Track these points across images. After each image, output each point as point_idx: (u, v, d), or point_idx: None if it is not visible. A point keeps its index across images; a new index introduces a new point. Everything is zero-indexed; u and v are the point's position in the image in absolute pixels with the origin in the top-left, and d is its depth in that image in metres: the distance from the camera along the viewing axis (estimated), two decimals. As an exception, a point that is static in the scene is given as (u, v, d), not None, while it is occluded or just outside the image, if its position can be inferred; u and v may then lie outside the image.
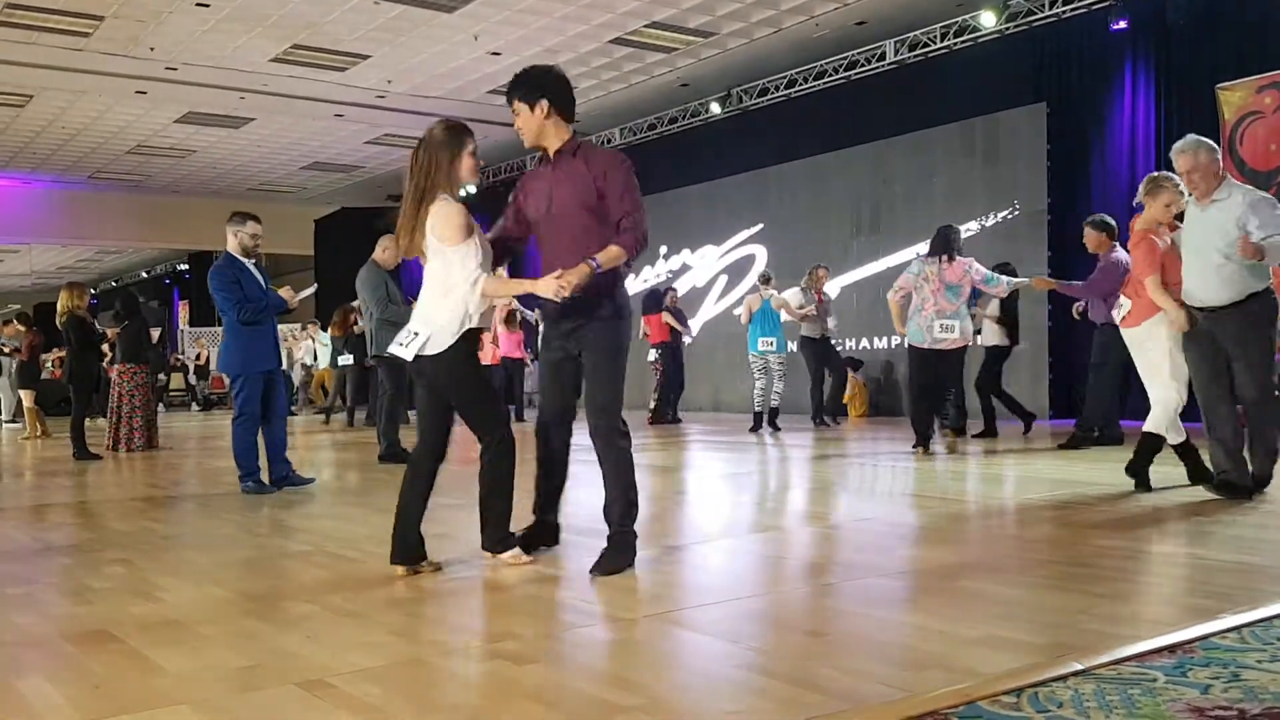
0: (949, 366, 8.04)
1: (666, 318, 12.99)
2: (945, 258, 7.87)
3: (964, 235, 12.31)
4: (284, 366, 14.70)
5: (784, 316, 11.08)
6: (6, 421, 16.63)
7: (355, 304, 10.44)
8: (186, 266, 29.01)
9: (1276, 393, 5.13)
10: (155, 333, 13.65)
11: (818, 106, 14.40)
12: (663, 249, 16.71)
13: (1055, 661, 2.43)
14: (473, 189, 4.03)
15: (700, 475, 7.24)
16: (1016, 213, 12.05)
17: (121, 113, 16.58)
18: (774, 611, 3.22)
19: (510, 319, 14.24)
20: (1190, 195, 5.19)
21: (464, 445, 10.65)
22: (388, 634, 2.91)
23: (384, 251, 8.25)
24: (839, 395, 12.88)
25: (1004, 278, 8.19)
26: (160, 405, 18.88)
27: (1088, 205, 11.30)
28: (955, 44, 12.70)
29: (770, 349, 10.92)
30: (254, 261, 6.49)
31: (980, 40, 12.46)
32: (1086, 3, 11.43)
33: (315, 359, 18.76)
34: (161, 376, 20.09)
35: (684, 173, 16.23)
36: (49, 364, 13.94)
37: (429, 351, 3.82)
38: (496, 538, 3.84)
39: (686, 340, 13.30)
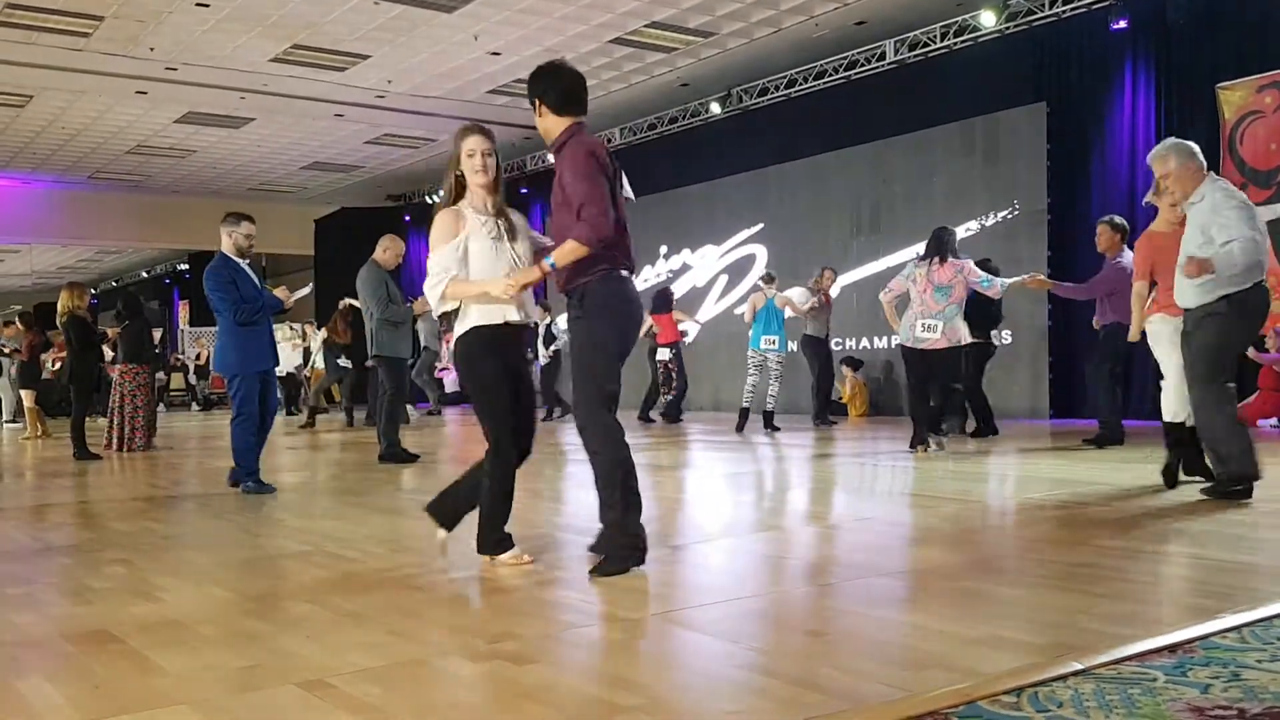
0: (941, 368, 8.02)
1: (679, 316, 13.02)
2: (937, 259, 7.93)
3: (964, 235, 12.39)
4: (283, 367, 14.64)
5: (788, 314, 11.09)
6: (7, 421, 16.64)
7: (343, 306, 10.43)
8: (186, 266, 29.01)
9: (1215, 392, 5.03)
10: (156, 334, 13.67)
11: (818, 106, 14.39)
12: (663, 249, 16.71)
13: (1055, 661, 2.43)
14: (478, 184, 3.94)
15: (700, 475, 7.24)
16: (1016, 212, 12.04)
17: (121, 113, 16.58)
18: (774, 611, 3.23)
19: None
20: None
21: (464, 445, 10.64)
22: (388, 634, 2.91)
23: (384, 251, 8.26)
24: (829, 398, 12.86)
25: (999, 279, 8.19)
26: (160, 405, 18.91)
27: (1088, 205, 11.30)
28: (955, 44, 12.70)
29: (772, 348, 10.94)
30: (248, 262, 6.50)
31: (980, 40, 12.45)
32: (1086, 2, 11.42)
33: (306, 362, 18.72)
34: (161, 376, 20.12)
35: (684, 172, 16.22)
36: (48, 364, 13.93)
37: None
38: (491, 541, 3.82)
39: (693, 330, 13.34)
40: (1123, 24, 11.00)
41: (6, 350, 15.31)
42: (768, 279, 11.22)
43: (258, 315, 6.32)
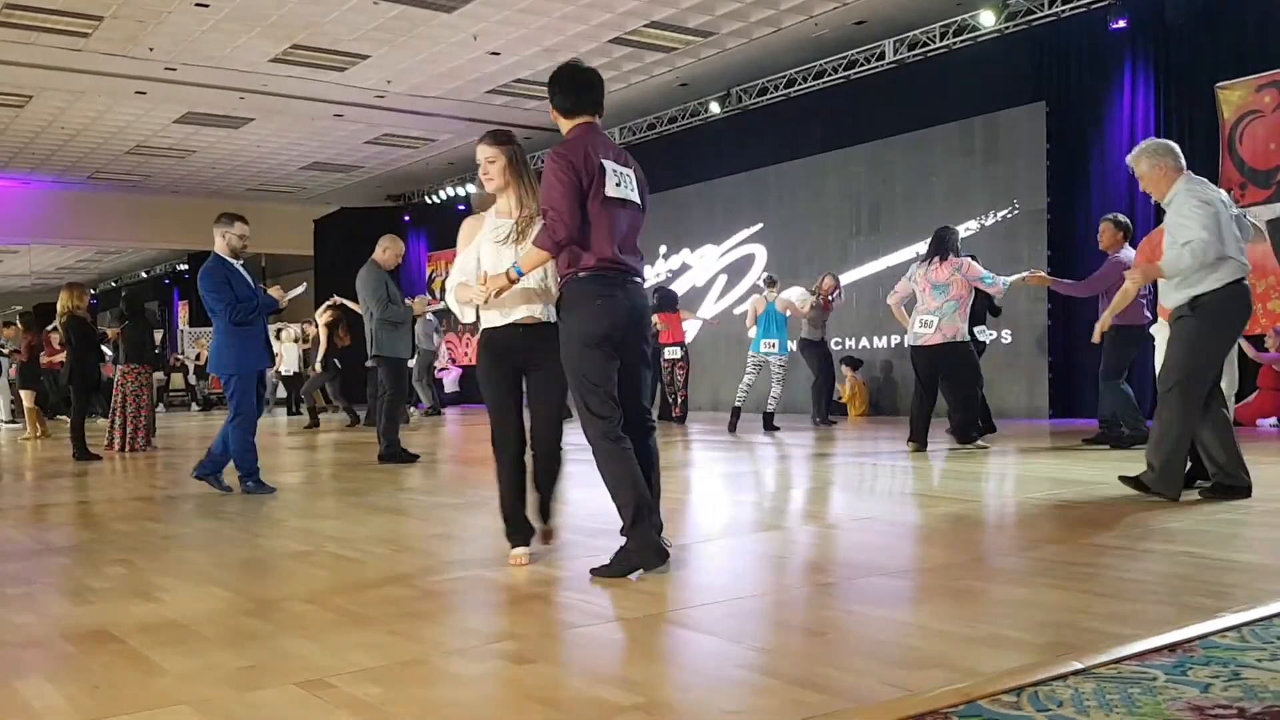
0: (944, 364, 8.05)
1: (686, 316, 13.03)
2: (937, 258, 8.04)
3: (964, 235, 12.38)
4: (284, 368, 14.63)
5: (788, 316, 11.12)
6: (6, 422, 16.63)
7: (331, 306, 10.38)
8: (186, 266, 29.02)
9: (1178, 396, 4.99)
10: (157, 335, 13.71)
11: (817, 106, 14.40)
12: (662, 249, 16.71)
13: (1055, 660, 2.43)
14: (489, 190, 4.01)
15: (701, 474, 7.24)
16: (1016, 212, 12.05)
17: (121, 113, 16.58)
18: (774, 611, 3.23)
19: None
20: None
21: (465, 445, 10.65)
22: (388, 634, 2.91)
23: (384, 252, 8.26)
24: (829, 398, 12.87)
25: (1001, 277, 8.20)
26: (160, 405, 18.92)
27: (1087, 204, 11.31)
28: (954, 43, 12.70)
29: (772, 351, 10.96)
30: (242, 262, 6.50)
31: (979, 39, 12.46)
32: (1085, 2, 11.43)
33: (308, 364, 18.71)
34: (160, 376, 20.12)
35: (683, 172, 16.23)
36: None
37: None
38: (506, 530, 3.93)
39: (693, 328, 13.38)
40: (1122, 23, 11.01)
41: (6, 350, 15.31)
42: (769, 282, 11.24)
43: (252, 315, 6.33)
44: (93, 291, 30.26)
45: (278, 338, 18.13)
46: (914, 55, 13.15)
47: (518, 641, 2.82)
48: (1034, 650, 2.56)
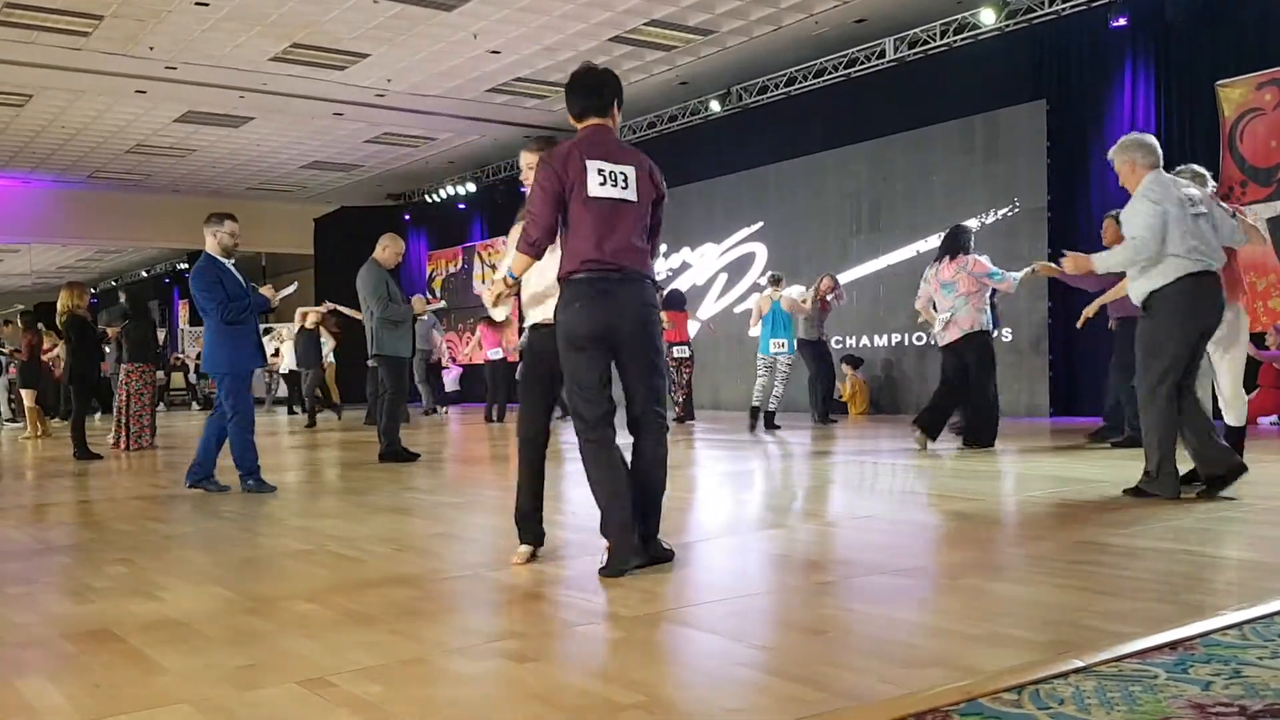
0: (969, 356, 8.11)
1: (692, 317, 13.05)
2: (947, 258, 8.16)
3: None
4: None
5: (794, 313, 11.15)
6: (6, 420, 16.64)
7: (315, 309, 10.39)
8: (186, 265, 29.00)
9: (1146, 394, 5.06)
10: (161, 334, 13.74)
11: (817, 104, 14.39)
12: (663, 247, 16.70)
13: (1056, 659, 2.43)
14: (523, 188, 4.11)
15: (701, 473, 7.24)
16: (1017, 210, 12.05)
17: (121, 112, 16.58)
18: (775, 609, 3.23)
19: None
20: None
21: (463, 445, 10.66)
22: (388, 633, 2.91)
23: (384, 250, 8.25)
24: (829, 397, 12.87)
25: (1011, 274, 8.17)
26: (160, 404, 18.93)
27: (1087, 202, 11.30)
28: (955, 41, 12.70)
29: (781, 350, 10.98)
30: (233, 261, 6.50)
31: (980, 37, 12.45)
32: (1086, 0, 11.42)
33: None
34: (160, 376, 20.14)
35: (683, 171, 16.20)
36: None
37: None
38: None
39: (694, 327, 13.42)
40: (1122, 21, 11.00)
41: (6, 350, 15.31)
42: (774, 281, 11.24)
43: (244, 315, 6.33)
44: (93, 291, 30.27)
45: (268, 335, 18.19)
46: (914, 53, 13.14)
47: (518, 640, 2.82)
48: (1035, 648, 2.56)
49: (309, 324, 14.86)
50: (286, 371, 16.63)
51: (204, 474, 6.40)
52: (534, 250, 3.72)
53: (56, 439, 12.25)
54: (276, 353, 18.63)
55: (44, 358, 13.08)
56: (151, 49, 13.48)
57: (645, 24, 12.89)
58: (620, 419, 3.68)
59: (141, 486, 7.18)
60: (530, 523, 3.93)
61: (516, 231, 3.98)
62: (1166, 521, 4.49)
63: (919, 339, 12.84)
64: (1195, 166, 5.67)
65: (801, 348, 11.84)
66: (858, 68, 13.78)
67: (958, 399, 8.33)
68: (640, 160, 3.81)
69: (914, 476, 6.65)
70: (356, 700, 2.31)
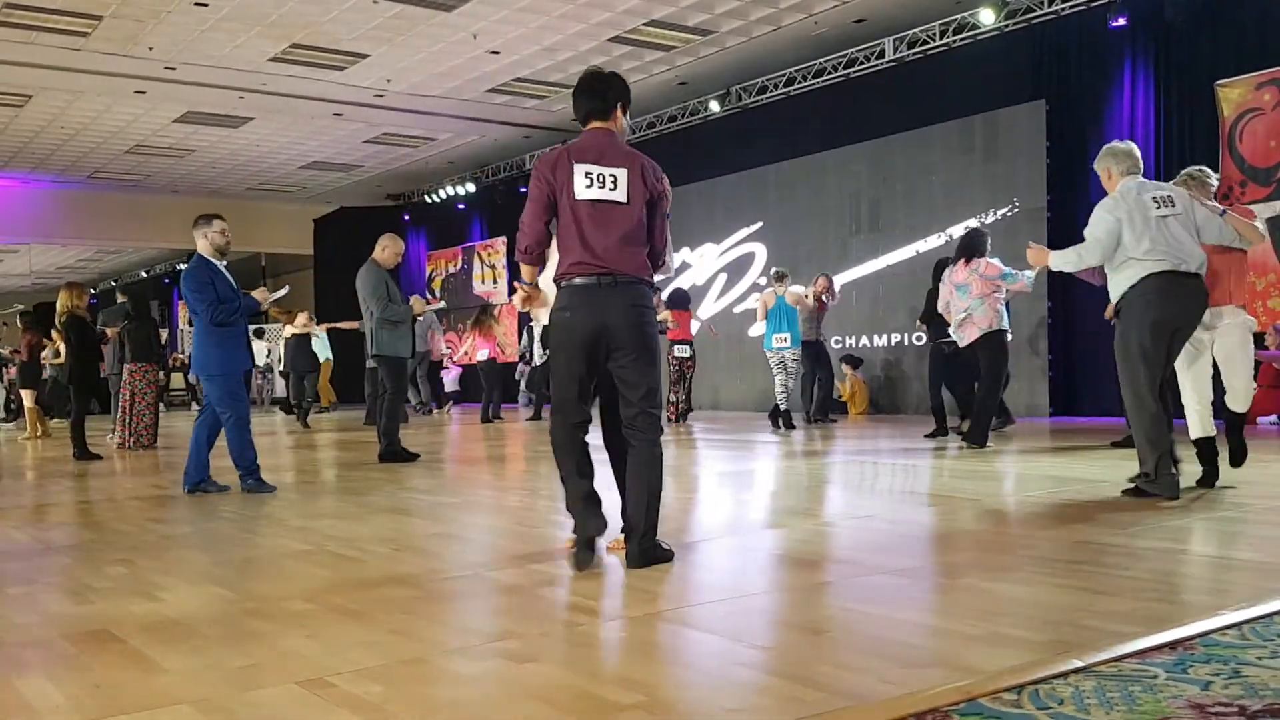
0: (985, 355, 8.21)
1: (695, 317, 13.07)
2: (962, 261, 8.31)
3: (964, 233, 12.40)
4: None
5: (799, 309, 11.17)
6: (2, 420, 16.64)
7: (296, 325, 10.35)
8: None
9: (1130, 394, 5.15)
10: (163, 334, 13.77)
11: (817, 104, 14.40)
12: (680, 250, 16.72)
13: (1056, 658, 2.43)
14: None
15: (701, 473, 7.24)
16: (1016, 210, 12.05)
17: (120, 112, 16.58)
18: (775, 609, 3.23)
19: (483, 316, 14.55)
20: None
21: (462, 444, 10.65)
22: (388, 633, 2.91)
23: (383, 251, 8.25)
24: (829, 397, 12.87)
25: (1024, 272, 8.16)
26: (160, 404, 18.91)
27: (1087, 202, 11.21)
28: (954, 41, 12.70)
29: (785, 345, 11.00)
30: (225, 263, 6.51)
31: (979, 37, 12.46)
32: (1085, 0, 11.43)
33: (275, 356, 18.68)
34: (159, 375, 20.15)
35: (683, 171, 16.17)
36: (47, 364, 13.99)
37: None
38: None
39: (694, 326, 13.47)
40: (1122, 21, 11.01)
41: (6, 351, 15.32)
42: (778, 277, 11.25)
43: (234, 317, 6.32)
44: (92, 291, 30.23)
45: (260, 337, 18.21)
46: (914, 53, 13.15)
47: (518, 640, 2.82)
48: (1035, 648, 2.56)
49: (298, 329, 14.89)
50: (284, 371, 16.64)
51: (201, 477, 6.39)
52: (528, 258, 3.84)
53: (57, 439, 12.25)
54: (268, 354, 18.68)
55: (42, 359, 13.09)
56: (151, 49, 13.48)
57: (645, 24, 12.89)
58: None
59: (141, 487, 7.17)
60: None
61: None
62: (1166, 522, 4.49)
63: (918, 339, 12.84)
64: (1194, 169, 5.67)
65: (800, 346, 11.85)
66: (857, 68, 13.78)
67: (981, 393, 8.45)
68: (635, 163, 3.80)
69: (913, 476, 6.66)
70: (356, 700, 2.31)
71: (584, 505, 3.71)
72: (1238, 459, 5.57)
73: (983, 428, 8.18)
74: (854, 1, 12.30)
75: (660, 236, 3.85)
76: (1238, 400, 5.54)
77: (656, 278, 3.96)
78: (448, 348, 19.40)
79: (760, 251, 15.34)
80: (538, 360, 14.27)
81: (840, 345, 13.94)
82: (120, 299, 13.10)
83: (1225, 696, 2.16)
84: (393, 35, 13.22)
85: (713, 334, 14.38)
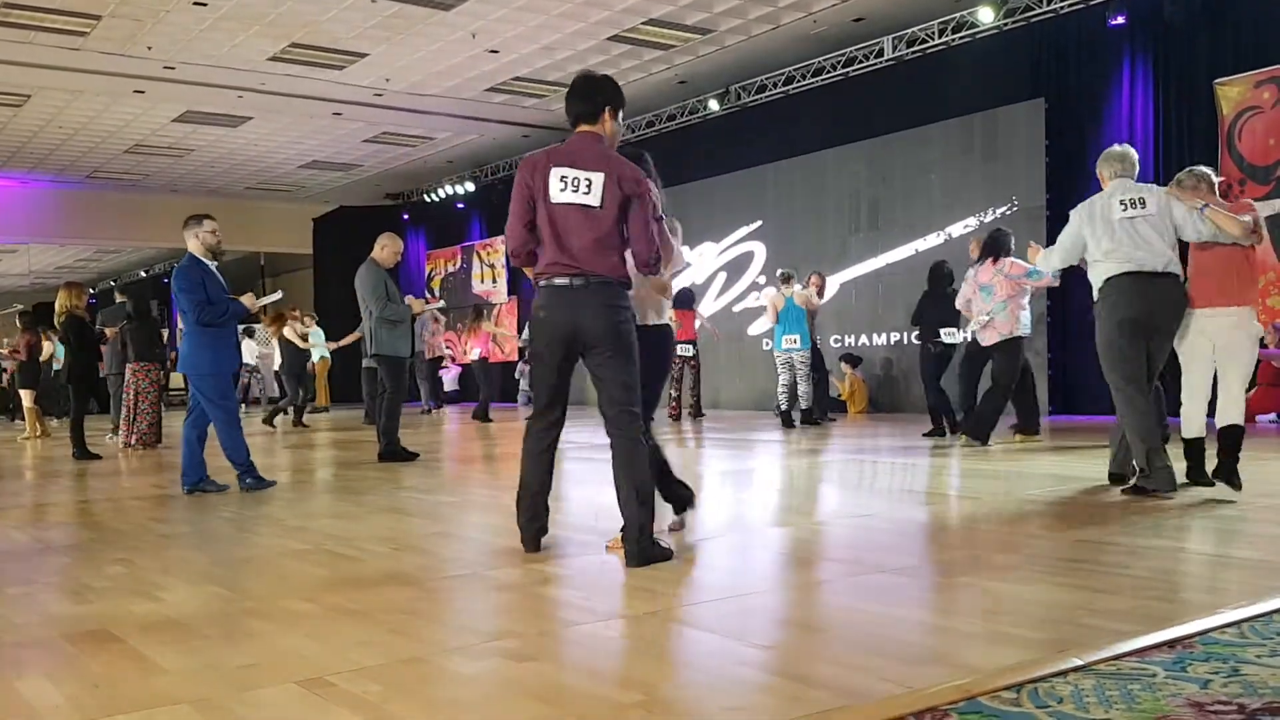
0: (997, 360, 8.31)
1: (698, 315, 13.10)
2: (986, 261, 8.39)
3: (962, 231, 12.42)
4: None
5: (808, 309, 11.20)
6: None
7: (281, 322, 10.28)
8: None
9: (1115, 391, 5.29)
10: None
11: (816, 103, 14.39)
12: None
13: (1055, 657, 2.43)
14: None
15: (701, 471, 7.24)
16: (1015, 208, 12.05)
17: (119, 112, 16.57)
18: (774, 607, 3.23)
19: (475, 315, 14.62)
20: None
21: (461, 443, 10.64)
22: (387, 632, 2.91)
23: (382, 250, 8.24)
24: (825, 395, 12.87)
25: (1044, 270, 8.19)
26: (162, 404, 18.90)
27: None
28: (953, 40, 12.69)
29: (794, 346, 11.03)
30: (216, 264, 6.52)
31: (978, 36, 12.45)
32: (1084, -2, 11.43)
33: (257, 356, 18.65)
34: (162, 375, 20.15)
35: (682, 170, 16.20)
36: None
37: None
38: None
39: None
40: (1120, 20, 11.00)
41: (5, 351, 15.31)
42: (785, 278, 11.27)
43: (222, 319, 6.32)
44: (92, 291, 30.21)
45: (250, 336, 18.21)
46: (913, 52, 13.14)
47: (517, 640, 2.82)
48: (1034, 647, 2.56)
49: (291, 338, 14.91)
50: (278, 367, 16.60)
51: (198, 476, 6.39)
52: (518, 261, 3.96)
53: (56, 439, 12.24)
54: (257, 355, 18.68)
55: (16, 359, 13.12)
56: (150, 49, 13.48)
57: (643, 23, 12.88)
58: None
59: (140, 486, 7.17)
60: (670, 493, 4.29)
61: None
62: (1165, 520, 4.49)
63: (919, 338, 12.83)
64: (1183, 172, 5.53)
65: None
66: (856, 66, 13.78)
67: (1021, 395, 8.62)
68: (613, 167, 3.83)
69: (912, 475, 6.66)
70: (355, 700, 2.31)
71: (523, 506, 3.98)
72: (1230, 481, 5.09)
73: (986, 426, 8.22)
74: (853, 0, 12.30)
75: (643, 238, 3.83)
76: (1223, 412, 5.22)
77: (667, 273, 4.11)
78: (448, 347, 19.42)
79: (759, 250, 15.34)
80: None
81: (839, 344, 13.94)
82: (119, 299, 13.10)
83: (1224, 695, 2.16)
84: (391, 34, 13.22)
85: (715, 334, 14.36)
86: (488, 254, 21.47)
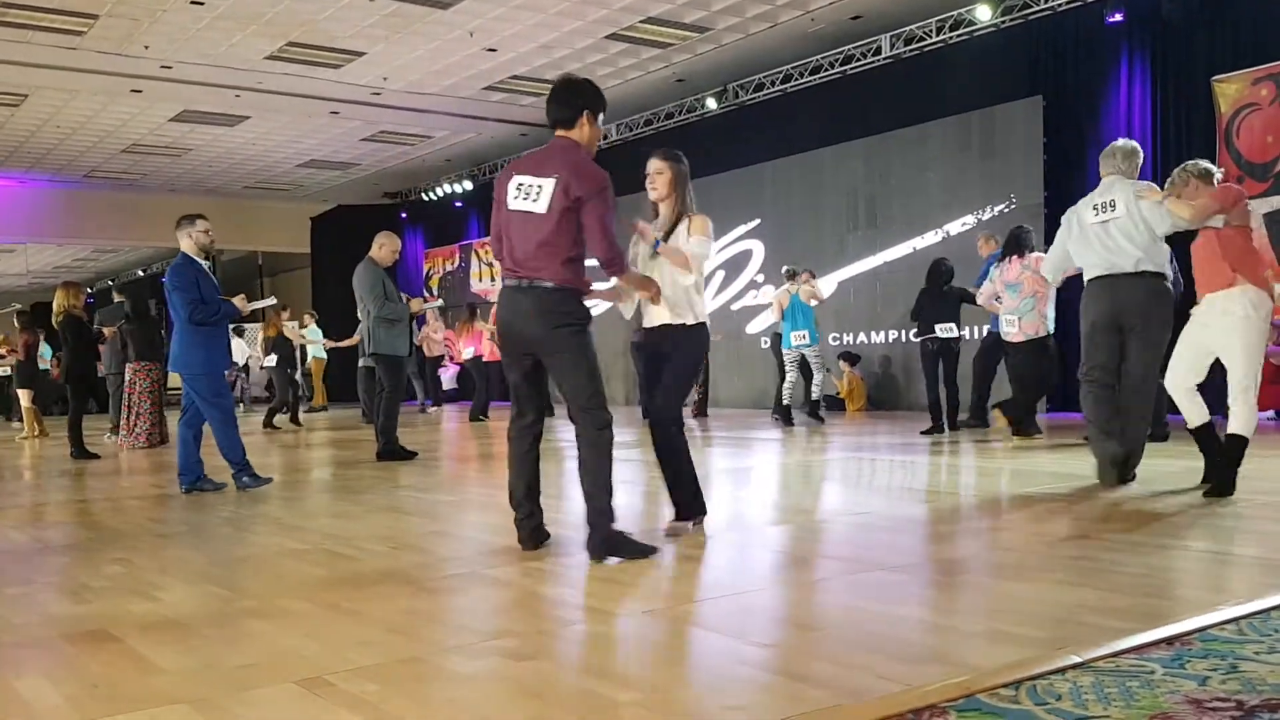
0: (1021, 358, 8.39)
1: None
2: (1012, 258, 8.43)
3: (960, 229, 12.42)
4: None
5: (813, 305, 11.23)
6: None
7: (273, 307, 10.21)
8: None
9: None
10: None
11: (813, 101, 14.38)
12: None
13: (1054, 654, 2.43)
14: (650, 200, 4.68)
15: (701, 470, 7.22)
16: (1013, 206, 12.04)
17: (116, 111, 16.54)
18: (773, 606, 3.23)
19: (468, 314, 14.61)
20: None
21: (459, 442, 10.63)
22: (386, 631, 2.91)
23: (380, 249, 8.24)
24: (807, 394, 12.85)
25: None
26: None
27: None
28: (951, 38, 12.69)
29: (804, 343, 11.04)
30: (209, 265, 6.52)
31: (976, 34, 12.44)
32: (1082, -4, 11.43)
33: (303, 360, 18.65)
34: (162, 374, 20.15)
35: (680, 168, 16.19)
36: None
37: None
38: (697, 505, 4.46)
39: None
40: (1118, 17, 11.00)
41: (4, 351, 15.29)
42: (790, 275, 11.27)
43: (214, 319, 6.33)
44: (89, 290, 30.20)
45: (239, 335, 18.21)
46: (910, 50, 13.13)
47: (515, 638, 2.82)
48: (1032, 644, 2.56)
49: (290, 335, 14.91)
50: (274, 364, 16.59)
51: (195, 476, 6.39)
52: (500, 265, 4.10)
53: (54, 439, 12.23)
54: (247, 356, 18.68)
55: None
56: (147, 48, 13.45)
57: (641, 21, 12.87)
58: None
59: (138, 486, 7.17)
60: (673, 496, 4.37)
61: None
62: (1163, 517, 4.50)
63: (917, 335, 12.84)
64: (1183, 166, 5.38)
65: (779, 344, 11.91)
66: (854, 64, 13.77)
67: (1035, 393, 8.72)
68: (565, 173, 3.86)
69: (911, 473, 6.66)
70: (354, 699, 2.31)
71: (515, 506, 4.06)
72: (1218, 490, 4.95)
73: (1029, 413, 8.50)
74: (850, -2, 12.30)
75: (595, 240, 3.88)
76: (1230, 416, 4.95)
77: (694, 273, 4.38)
78: (446, 345, 19.41)
79: (757, 249, 15.33)
80: None
81: (837, 342, 13.93)
82: (117, 298, 13.09)
83: (1223, 691, 2.16)
84: (389, 33, 13.20)
85: (717, 334, 14.36)
86: (486, 252, 21.45)
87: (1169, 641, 2.53)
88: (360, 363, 12.94)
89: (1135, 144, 5.79)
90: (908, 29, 13.03)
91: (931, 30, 12.84)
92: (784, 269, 11.67)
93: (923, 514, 4.95)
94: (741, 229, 15.58)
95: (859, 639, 2.74)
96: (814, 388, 11.26)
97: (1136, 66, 11.13)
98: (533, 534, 4.04)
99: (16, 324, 14.16)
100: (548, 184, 3.86)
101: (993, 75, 12.25)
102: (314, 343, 17.28)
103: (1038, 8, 11.79)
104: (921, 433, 9.40)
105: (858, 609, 3.05)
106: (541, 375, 4.03)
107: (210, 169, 20.79)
